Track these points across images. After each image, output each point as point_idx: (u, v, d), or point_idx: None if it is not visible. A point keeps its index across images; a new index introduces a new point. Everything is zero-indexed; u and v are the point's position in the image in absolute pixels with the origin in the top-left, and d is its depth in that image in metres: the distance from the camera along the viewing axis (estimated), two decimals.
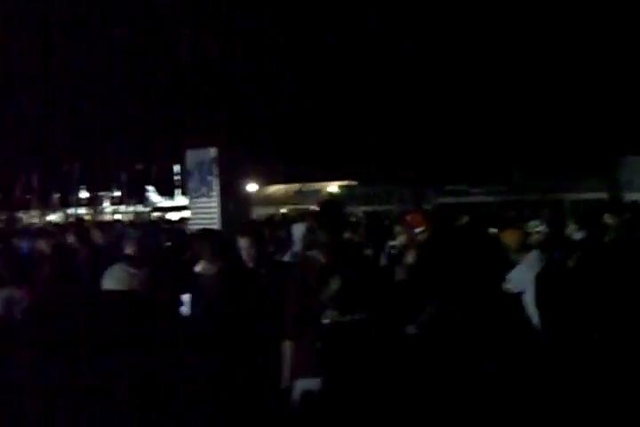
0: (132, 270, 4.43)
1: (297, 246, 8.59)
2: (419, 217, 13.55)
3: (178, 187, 52.64)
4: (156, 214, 43.66)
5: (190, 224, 14.32)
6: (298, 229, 8.77)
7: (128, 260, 6.54)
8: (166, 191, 52.66)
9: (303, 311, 4.95)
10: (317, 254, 5.20)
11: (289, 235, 9.52)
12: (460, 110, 34.70)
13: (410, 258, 6.75)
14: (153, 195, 52.02)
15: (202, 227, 12.20)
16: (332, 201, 6.35)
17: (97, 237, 11.81)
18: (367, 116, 36.70)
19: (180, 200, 51.65)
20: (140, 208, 48.57)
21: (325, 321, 4.99)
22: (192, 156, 14.11)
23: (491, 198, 28.11)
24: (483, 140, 33.88)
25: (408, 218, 11.89)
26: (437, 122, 35.31)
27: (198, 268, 6.39)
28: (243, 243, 6.56)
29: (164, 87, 28.89)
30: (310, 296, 4.96)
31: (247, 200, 14.70)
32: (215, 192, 13.64)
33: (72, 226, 15.12)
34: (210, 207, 13.74)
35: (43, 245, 8.50)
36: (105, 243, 11.18)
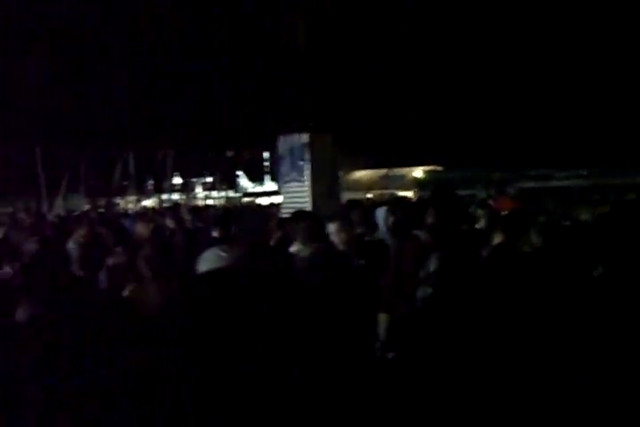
0: (223, 253, 4.65)
1: (380, 229, 8.82)
2: (506, 200, 13.66)
3: (267, 173, 53.32)
4: (246, 200, 44.23)
5: (282, 209, 14.60)
6: (380, 212, 8.96)
7: (219, 243, 6.77)
8: (256, 177, 53.38)
9: (399, 286, 5.14)
10: (422, 234, 5.37)
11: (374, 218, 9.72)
12: (542, 95, 34.17)
13: (496, 240, 6.78)
14: (243, 180, 52.84)
15: (293, 211, 12.51)
16: (446, 186, 6.36)
17: (190, 220, 12.29)
18: (451, 101, 36.38)
19: (269, 186, 52.34)
20: (232, 194, 49.29)
21: (419, 296, 5.16)
22: (284, 141, 14.40)
23: (573, 183, 27.73)
24: (566, 125, 33.33)
25: (492, 202, 11.91)
26: (521, 107, 34.84)
27: (293, 249, 6.62)
28: (332, 228, 6.74)
29: (254, 74, 29.16)
30: (407, 273, 5.14)
31: (337, 185, 14.88)
32: (306, 177, 13.90)
33: (169, 210, 15.64)
34: (301, 192, 14.01)
35: (142, 227, 8.90)
36: (196, 226, 11.63)
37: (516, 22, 33.40)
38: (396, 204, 10.55)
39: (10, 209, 34.63)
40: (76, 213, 22.30)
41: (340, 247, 6.59)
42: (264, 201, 37.63)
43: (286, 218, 9.40)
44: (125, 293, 6.29)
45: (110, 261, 7.52)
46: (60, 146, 35.76)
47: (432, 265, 5.17)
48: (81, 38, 32.68)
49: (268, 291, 3.81)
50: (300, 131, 13.97)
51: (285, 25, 14.55)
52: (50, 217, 19.21)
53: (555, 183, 28.68)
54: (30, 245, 9.57)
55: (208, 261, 4.50)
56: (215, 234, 8.70)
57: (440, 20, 33.91)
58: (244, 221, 11.97)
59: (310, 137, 13.80)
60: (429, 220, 5.76)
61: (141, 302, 5.93)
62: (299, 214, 7.26)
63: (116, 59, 34.33)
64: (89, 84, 34.11)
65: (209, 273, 3.80)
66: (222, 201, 43.72)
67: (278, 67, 14.42)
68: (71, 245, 8.93)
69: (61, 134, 34.59)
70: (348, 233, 6.68)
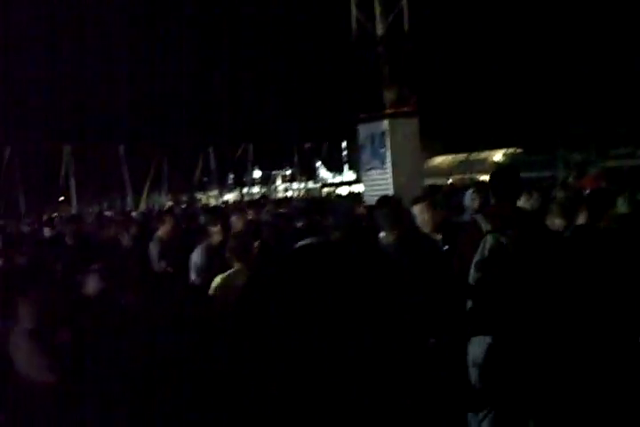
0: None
1: (467, 211, 8.74)
2: (590, 179, 13.39)
3: (346, 162, 53.29)
4: (325, 190, 44.27)
5: (364, 197, 14.52)
6: (468, 195, 8.89)
7: (305, 234, 6.79)
8: (335, 167, 53.38)
9: (462, 271, 5.02)
10: (481, 219, 5.23)
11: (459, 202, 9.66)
12: (620, 75, 33.36)
13: (581, 219, 6.46)
14: (322, 171, 52.89)
15: (375, 199, 12.47)
16: (507, 167, 6.08)
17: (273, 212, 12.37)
18: (530, 83, 35.84)
19: (348, 175, 52.34)
20: (311, 185, 49.38)
21: (470, 281, 5.03)
22: (364, 129, 14.32)
23: None
24: None
25: (576, 182, 11.61)
26: (601, 85, 34.08)
27: (380, 235, 6.60)
28: (416, 210, 6.66)
29: (330, 63, 29.19)
30: (468, 258, 5.02)
31: (419, 171, 14.72)
32: (388, 164, 13.80)
33: (253, 204, 15.74)
34: (383, 179, 13.92)
35: (237, 220, 8.98)
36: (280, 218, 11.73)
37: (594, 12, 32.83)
38: (483, 186, 10.43)
39: (96, 208, 35.47)
40: (157, 210, 22.66)
41: (425, 230, 6.51)
42: (344, 191, 37.59)
43: (372, 205, 9.40)
44: (214, 284, 6.41)
45: (203, 245, 7.61)
46: (143, 144, 36.39)
47: (484, 249, 5.04)
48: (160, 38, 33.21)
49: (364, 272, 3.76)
50: (380, 118, 13.86)
51: (361, 10, 14.47)
52: (134, 215, 19.56)
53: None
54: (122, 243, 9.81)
55: None
56: (299, 225, 8.71)
57: (516, 11, 33.55)
58: (328, 211, 12.00)
59: (390, 124, 13.69)
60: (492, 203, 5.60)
61: (229, 293, 6.03)
62: (381, 201, 7.21)
63: (193, 58, 34.75)
64: (169, 84, 34.64)
65: (299, 249, 3.76)
66: (302, 192, 43.85)
67: (355, 54, 14.34)
68: (152, 244, 9.12)
69: (143, 133, 35.24)
70: (433, 214, 6.58)
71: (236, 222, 8.72)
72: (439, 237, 6.58)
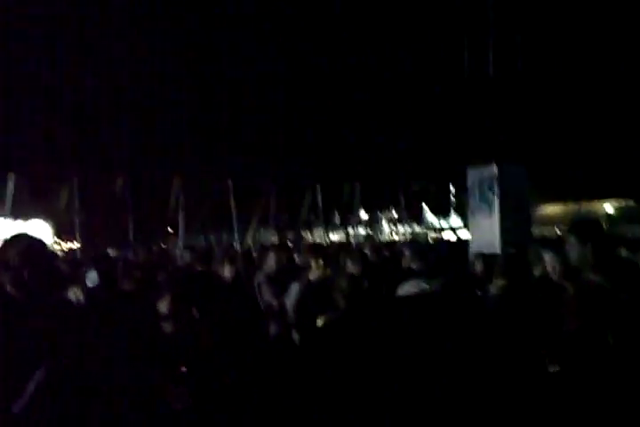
0: (423, 284, 4.61)
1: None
2: None
3: (453, 207, 52.76)
4: (432, 235, 43.96)
5: (471, 244, 14.20)
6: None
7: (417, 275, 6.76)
8: (442, 211, 52.88)
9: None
10: (594, 277, 4.85)
11: None
12: None
13: None
14: (429, 214, 52.45)
15: (482, 246, 12.27)
16: (589, 219, 5.80)
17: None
18: None
19: (455, 220, 51.80)
20: (417, 228, 49.07)
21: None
22: (473, 173, 14.11)
23: None
24: None
25: None
26: None
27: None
28: (547, 257, 6.53)
29: (441, 105, 29.13)
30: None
31: (527, 219, 14.36)
32: (495, 210, 13.52)
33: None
34: (490, 225, 13.61)
35: (353, 263, 8.96)
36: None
37: None
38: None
39: (202, 241, 36.07)
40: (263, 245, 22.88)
41: (554, 277, 6.34)
42: (450, 236, 37.26)
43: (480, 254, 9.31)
44: (319, 322, 6.46)
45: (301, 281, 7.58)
46: (251, 179, 36.90)
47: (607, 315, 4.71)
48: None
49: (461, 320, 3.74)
50: (489, 162, 13.65)
51: (472, 54, 14.41)
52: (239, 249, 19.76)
53: None
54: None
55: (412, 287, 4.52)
56: (413, 266, 8.71)
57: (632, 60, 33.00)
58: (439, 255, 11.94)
59: (500, 169, 13.46)
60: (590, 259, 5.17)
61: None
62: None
63: (302, 97, 35.23)
64: (278, 119, 35.17)
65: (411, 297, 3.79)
66: (408, 236, 43.61)
67: (465, 97, 14.28)
68: (260, 277, 9.17)
69: (252, 168, 35.76)
70: (562, 263, 6.36)
71: (352, 265, 8.67)
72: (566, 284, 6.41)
